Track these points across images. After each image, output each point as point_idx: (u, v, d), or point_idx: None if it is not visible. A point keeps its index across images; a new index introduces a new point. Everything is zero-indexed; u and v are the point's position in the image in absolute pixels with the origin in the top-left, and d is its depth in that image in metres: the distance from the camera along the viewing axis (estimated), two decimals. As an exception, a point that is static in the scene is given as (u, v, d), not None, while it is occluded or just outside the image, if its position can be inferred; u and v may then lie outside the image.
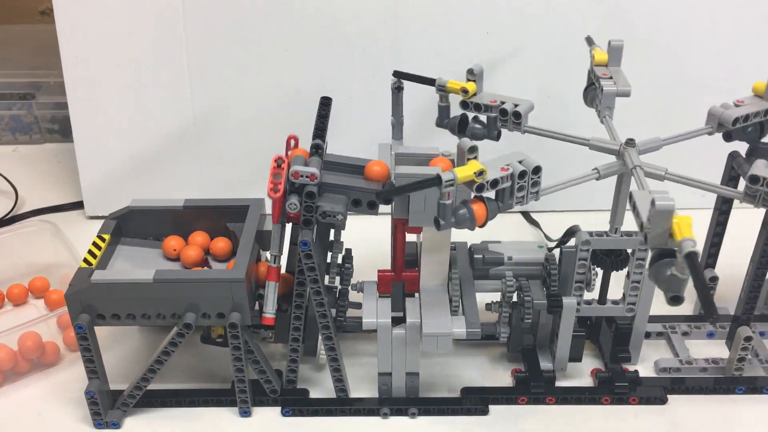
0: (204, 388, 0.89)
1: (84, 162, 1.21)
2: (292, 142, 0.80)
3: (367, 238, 0.99)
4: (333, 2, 1.09)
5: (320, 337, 0.84)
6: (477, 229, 0.73)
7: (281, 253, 0.81)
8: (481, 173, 0.69)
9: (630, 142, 0.78)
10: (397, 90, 0.90)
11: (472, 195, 0.72)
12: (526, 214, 1.23)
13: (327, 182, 0.77)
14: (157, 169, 1.19)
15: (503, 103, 0.83)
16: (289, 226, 0.80)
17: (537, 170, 0.73)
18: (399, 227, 0.84)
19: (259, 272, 0.85)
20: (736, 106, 0.81)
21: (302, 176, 0.74)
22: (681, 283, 0.63)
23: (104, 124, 1.17)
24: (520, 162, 0.73)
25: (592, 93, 0.89)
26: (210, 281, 0.78)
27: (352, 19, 1.10)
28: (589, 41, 0.93)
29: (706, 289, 0.60)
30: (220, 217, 0.90)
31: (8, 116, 1.45)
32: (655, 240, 0.64)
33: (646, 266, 0.69)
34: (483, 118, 0.87)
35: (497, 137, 0.87)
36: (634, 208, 0.68)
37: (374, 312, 0.82)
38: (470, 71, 0.85)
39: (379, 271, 0.88)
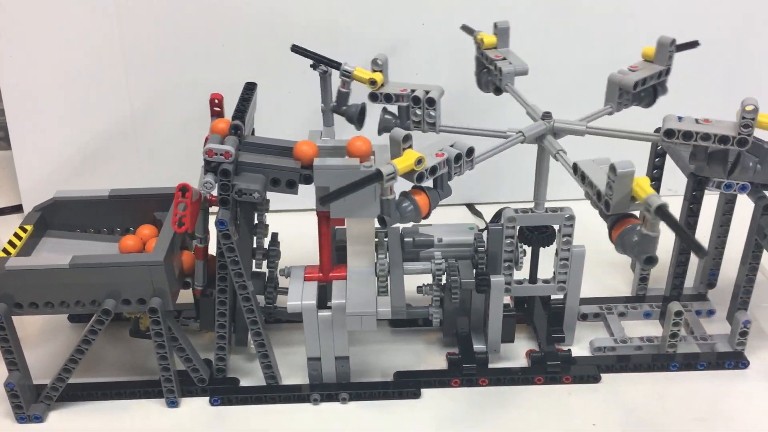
0: (131, 380, 0.87)
1: (22, 165, 1.19)
2: (216, 101, 0.80)
3: (296, 237, 0.97)
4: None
5: (248, 323, 0.83)
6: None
7: (206, 234, 0.80)
8: (420, 162, 0.67)
9: (546, 115, 0.78)
10: (324, 75, 0.90)
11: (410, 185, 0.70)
12: (470, 206, 1.23)
13: (245, 161, 0.76)
14: (96, 168, 1.18)
15: (414, 90, 0.83)
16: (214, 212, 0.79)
17: (470, 152, 0.72)
18: (323, 220, 0.83)
19: (183, 261, 0.83)
20: (632, 71, 0.82)
21: (217, 154, 0.73)
22: (652, 241, 0.63)
23: (41, 125, 1.16)
24: (452, 146, 0.72)
25: (485, 77, 0.89)
26: (128, 265, 0.76)
27: (289, 12, 1.10)
28: (468, 29, 0.92)
29: (687, 232, 0.60)
30: (148, 207, 0.89)
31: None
32: (618, 206, 0.64)
33: (609, 238, 0.69)
34: (393, 108, 0.86)
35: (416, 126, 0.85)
36: (584, 179, 0.68)
37: (299, 295, 0.81)
38: (374, 61, 0.84)
39: (306, 268, 0.86)
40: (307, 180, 0.77)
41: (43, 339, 0.94)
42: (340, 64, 0.85)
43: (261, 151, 0.80)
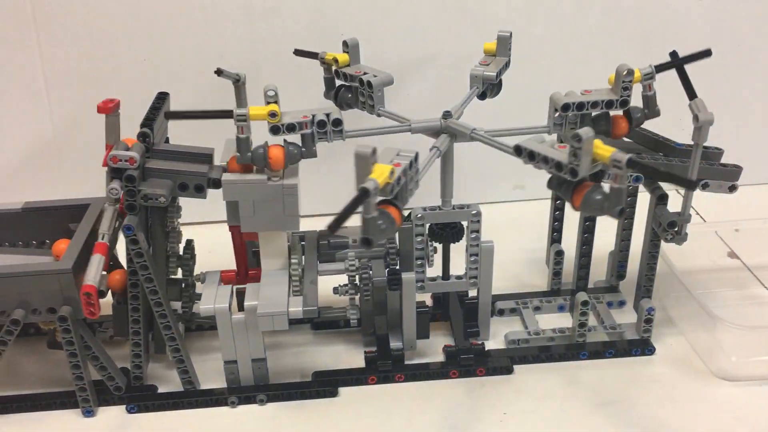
0: (47, 392, 0.86)
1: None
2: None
3: (213, 248, 0.97)
4: (189, 9, 1.11)
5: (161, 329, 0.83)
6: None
7: (110, 232, 0.80)
8: (393, 172, 0.65)
9: (447, 114, 0.81)
10: (237, 83, 0.91)
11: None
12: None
13: (152, 167, 0.78)
14: (21, 185, 1.17)
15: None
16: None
17: (417, 157, 0.71)
18: (235, 235, 0.84)
19: (111, 280, 0.83)
20: (483, 65, 0.87)
21: (122, 160, 0.74)
22: (622, 193, 0.66)
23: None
24: (398, 155, 0.70)
25: (343, 93, 0.89)
26: (36, 274, 0.77)
27: (207, 26, 1.12)
28: (306, 53, 0.91)
29: (665, 172, 0.64)
30: (62, 218, 0.89)
31: None
32: (585, 170, 0.67)
33: (571, 205, 0.70)
34: (296, 138, 0.81)
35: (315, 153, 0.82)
36: (535, 156, 0.70)
37: (213, 298, 0.82)
38: (266, 94, 0.78)
39: (222, 272, 0.87)
40: (216, 184, 0.79)
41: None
42: (230, 112, 0.77)
43: (172, 158, 0.81)
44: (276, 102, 0.77)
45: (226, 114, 0.76)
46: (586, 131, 0.66)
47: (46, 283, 0.77)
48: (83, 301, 0.75)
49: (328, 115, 0.79)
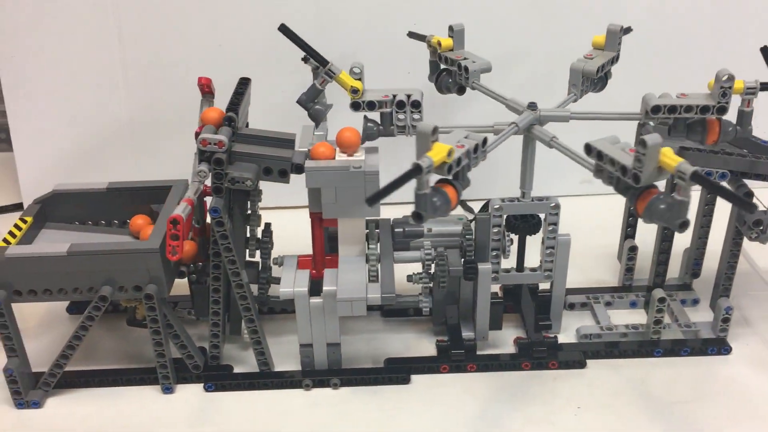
0: (127, 368, 0.89)
1: (23, 164, 1.22)
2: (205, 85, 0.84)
3: (291, 233, 0.98)
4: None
5: (240, 310, 0.85)
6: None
7: (204, 223, 0.82)
8: (451, 153, 0.66)
9: (532, 106, 0.81)
10: (317, 72, 0.92)
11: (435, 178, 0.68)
12: (462, 202, 1.25)
13: (238, 151, 0.79)
14: (95, 166, 1.20)
15: (395, 95, 0.83)
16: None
17: (485, 142, 0.72)
18: (315, 222, 0.85)
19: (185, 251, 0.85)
20: (589, 59, 0.85)
21: (210, 143, 0.76)
22: (684, 206, 0.65)
23: (42, 125, 1.18)
24: (466, 138, 0.71)
25: (445, 79, 0.90)
26: (124, 252, 0.79)
27: (278, 12, 1.13)
28: (416, 35, 0.93)
29: (728, 190, 0.63)
30: (144, 199, 0.91)
31: (-47, 127, 1.45)
32: (649, 177, 0.66)
33: (635, 213, 0.70)
34: (375, 116, 0.85)
35: (397, 132, 0.85)
36: (603, 157, 0.69)
37: (292, 282, 0.83)
38: (352, 71, 0.83)
39: (300, 257, 0.89)
40: (299, 169, 0.80)
41: (42, 330, 0.96)
42: (327, 62, 0.84)
43: (255, 142, 0.82)
44: (360, 80, 0.80)
45: (322, 61, 0.83)
46: (653, 138, 0.64)
47: (133, 262, 0.79)
48: (168, 233, 0.72)
49: (408, 96, 0.81)
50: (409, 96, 0.82)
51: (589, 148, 0.70)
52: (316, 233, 0.85)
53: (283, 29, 0.87)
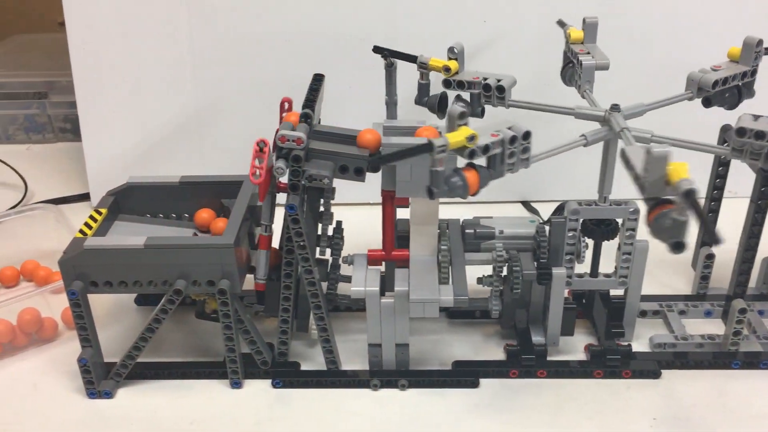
0: (196, 361, 0.89)
1: (91, 153, 1.24)
2: (286, 105, 0.82)
3: (361, 230, 0.99)
4: None
5: (311, 308, 0.85)
6: (469, 197, 0.71)
7: (272, 222, 0.82)
8: (472, 138, 0.68)
9: (615, 107, 0.79)
10: (389, 68, 0.92)
11: (464, 163, 0.71)
12: (526, 203, 1.23)
13: (314, 149, 0.78)
14: (161, 158, 1.22)
15: (486, 79, 0.84)
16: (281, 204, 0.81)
17: (527, 135, 0.73)
18: (387, 200, 0.84)
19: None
20: (714, 70, 0.81)
21: (289, 140, 0.75)
22: (681, 226, 0.63)
23: (110, 115, 1.20)
24: (509, 128, 0.73)
25: (570, 71, 0.90)
26: (200, 247, 0.79)
27: (351, 8, 1.12)
28: (561, 23, 0.94)
29: (706, 219, 0.61)
30: (216, 193, 0.92)
31: (23, 116, 1.49)
32: (651, 188, 0.64)
33: (644, 221, 0.68)
34: (466, 96, 0.87)
35: (481, 114, 0.88)
36: (627, 163, 0.68)
37: (363, 281, 0.82)
38: (451, 49, 0.86)
39: (369, 250, 0.88)
40: (374, 168, 0.79)
41: (111, 320, 0.97)
42: (416, 57, 0.87)
43: (328, 139, 0.82)
44: (456, 59, 0.85)
45: (411, 58, 0.88)
46: (660, 149, 0.63)
47: (208, 257, 0.79)
48: (253, 154, 0.77)
49: (498, 80, 0.84)
50: (498, 80, 0.83)
51: (623, 153, 0.69)
52: (387, 212, 0.84)
53: (376, 49, 0.90)
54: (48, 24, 1.92)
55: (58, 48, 1.62)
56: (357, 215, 1.03)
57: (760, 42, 0.83)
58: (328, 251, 0.89)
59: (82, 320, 0.82)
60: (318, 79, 0.88)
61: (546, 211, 1.20)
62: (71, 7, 1.13)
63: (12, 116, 1.48)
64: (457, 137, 0.68)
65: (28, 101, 1.48)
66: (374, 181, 0.81)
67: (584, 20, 0.88)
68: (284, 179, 0.78)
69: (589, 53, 0.85)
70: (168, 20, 1.13)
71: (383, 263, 0.88)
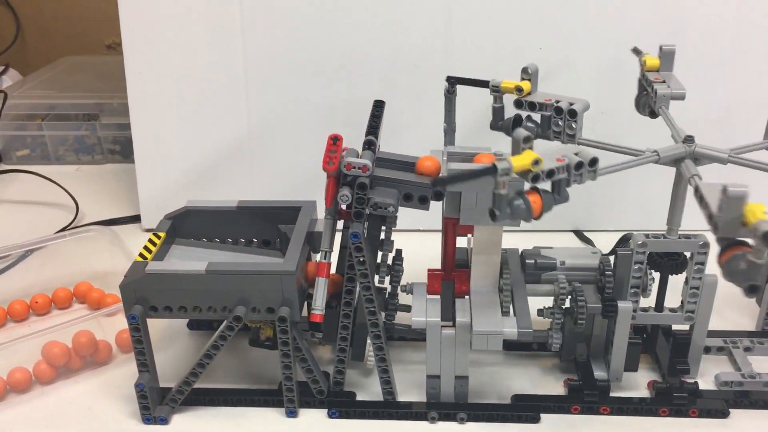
0: (251, 388, 0.88)
1: (143, 175, 1.24)
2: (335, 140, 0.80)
3: (415, 258, 0.96)
4: (386, 20, 1.12)
5: (368, 338, 0.83)
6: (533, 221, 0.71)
7: (332, 249, 0.81)
8: (537, 162, 0.68)
9: (689, 139, 0.77)
10: (450, 95, 0.91)
11: (527, 186, 0.71)
12: (578, 233, 1.21)
13: (379, 176, 0.78)
14: (213, 182, 1.22)
15: (558, 101, 0.83)
16: (339, 230, 0.80)
17: (593, 162, 0.71)
18: (450, 227, 0.83)
19: (308, 272, 0.85)
20: None
21: (355, 168, 0.75)
22: (758, 269, 0.61)
23: (163, 139, 1.21)
24: (576, 154, 0.71)
25: (644, 100, 0.88)
26: (261, 273, 0.78)
27: (405, 35, 1.12)
28: (636, 51, 0.92)
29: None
30: (273, 219, 0.91)
31: (72, 138, 1.50)
32: (725, 227, 0.62)
33: (717, 261, 0.66)
34: (537, 117, 0.86)
35: (552, 137, 0.86)
36: (702, 200, 0.66)
37: (423, 311, 0.81)
38: (525, 70, 0.85)
39: (429, 269, 0.87)
40: (438, 196, 0.78)
41: (164, 344, 0.97)
42: (487, 82, 0.86)
43: (393, 167, 0.81)
44: (529, 80, 0.85)
45: (483, 83, 0.88)
46: (737, 189, 0.61)
47: (268, 283, 0.78)
48: (327, 146, 0.75)
49: (571, 104, 0.83)
50: (571, 104, 0.82)
51: (696, 189, 0.68)
52: (448, 240, 0.83)
53: (450, 79, 0.90)
54: (95, 46, 1.96)
55: (108, 70, 1.65)
56: (411, 242, 1.02)
57: None
58: (387, 279, 0.88)
59: (141, 345, 0.81)
60: (379, 106, 0.88)
61: (599, 241, 1.18)
62: (128, 30, 1.14)
63: (62, 137, 1.50)
64: (521, 161, 0.68)
65: (79, 122, 1.50)
66: (431, 207, 0.80)
67: (661, 48, 0.87)
68: (344, 206, 0.77)
69: (664, 81, 0.84)
70: (224, 46, 1.14)
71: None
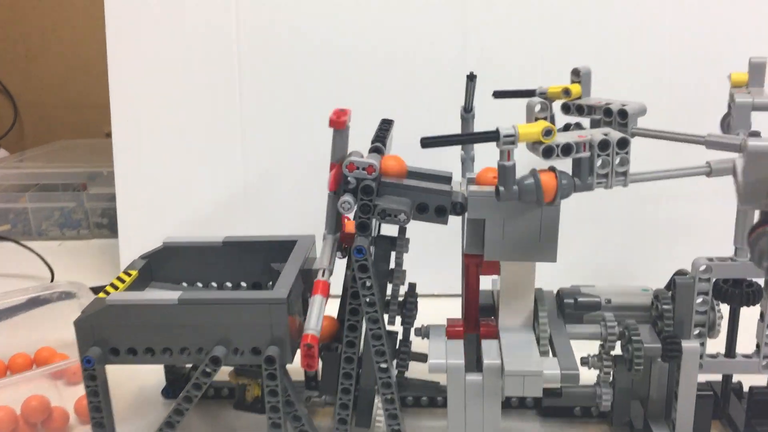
0: (233, 459, 0.72)
1: (126, 242, 1.14)
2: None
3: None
4: (390, 61, 1.05)
5: (376, 396, 0.68)
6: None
7: (331, 268, 0.66)
8: (548, 133, 0.57)
9: (755, 133, 0.65)
10: (466, 117, 0.80)
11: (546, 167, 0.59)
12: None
13: (387, 182, 0.65)
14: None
15: (609, 103, 0.71)
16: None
17: (623, 143, 0.60)
18: (471, 267, 0.69)
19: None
20: None
21: (358, 168, 0.63)
22: None
23: (147, 210, 1.13)
24: (605, 135, 0.60)
25: (728, 120, 0.76)
26: (245, 303, 0.65)
27: (413, 75, 1.05)
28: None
29: None
30: (264, 256, 0.78)
31: (59, 212, 1.40)
32: (748, 194, 0.55)
33: (748, 239, 0.55)
34: (586, 123, 0.74)
35: None
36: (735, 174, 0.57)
37: (443, 352, 0.66)
38: (575, 71, 0.75)
39: (448, 320, 0.73)
40: (460, 209, 0.65)
41: (133, 414, 0.82)
42: (533, 91, 0.76)
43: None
44: (579, 82, 0.75)
45: (530, 93, 0.77)
46: (760, 144, 0.54)
47: (255, 315, 0.64)
48: (303, 353, 0.61)
49: (624, 105, 0.70)
50: (623, 105, 0.69)
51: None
52: (470, 281, 0.69)
53: (497, 94, 0.79)
54: (94, 133, 1.91)
55: (99, 149, 1.58)
56: (425, 306, 0.87)
57: None
58: (399, 320, 0.73)
59: (97, 398, 0.66)
60: (387, 121, 0.77)
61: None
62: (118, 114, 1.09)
63: (47, 211, 1.40)
64: (529, 129, 0.57)
65: (66, 193, 1.40)
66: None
67: (750, 60, 0.76)
68: (350, 215, 0.64)
69: (749, 93, 0.72)
70: (220, 99, 1.07)
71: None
